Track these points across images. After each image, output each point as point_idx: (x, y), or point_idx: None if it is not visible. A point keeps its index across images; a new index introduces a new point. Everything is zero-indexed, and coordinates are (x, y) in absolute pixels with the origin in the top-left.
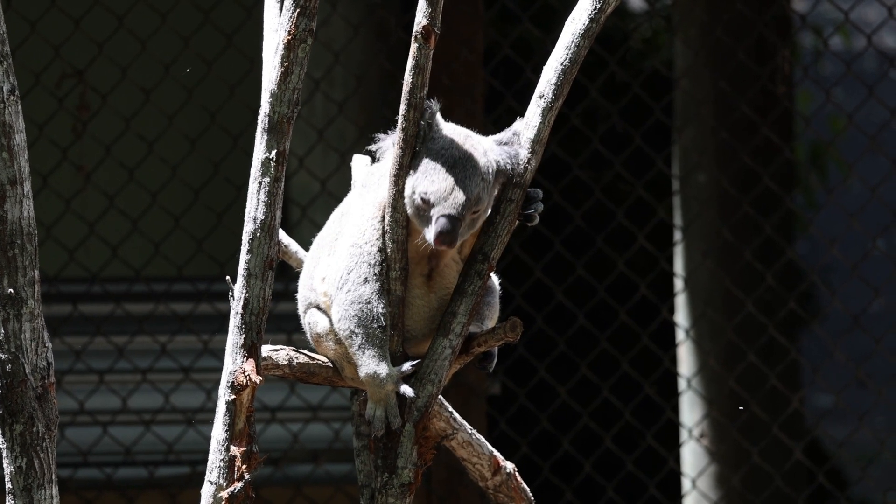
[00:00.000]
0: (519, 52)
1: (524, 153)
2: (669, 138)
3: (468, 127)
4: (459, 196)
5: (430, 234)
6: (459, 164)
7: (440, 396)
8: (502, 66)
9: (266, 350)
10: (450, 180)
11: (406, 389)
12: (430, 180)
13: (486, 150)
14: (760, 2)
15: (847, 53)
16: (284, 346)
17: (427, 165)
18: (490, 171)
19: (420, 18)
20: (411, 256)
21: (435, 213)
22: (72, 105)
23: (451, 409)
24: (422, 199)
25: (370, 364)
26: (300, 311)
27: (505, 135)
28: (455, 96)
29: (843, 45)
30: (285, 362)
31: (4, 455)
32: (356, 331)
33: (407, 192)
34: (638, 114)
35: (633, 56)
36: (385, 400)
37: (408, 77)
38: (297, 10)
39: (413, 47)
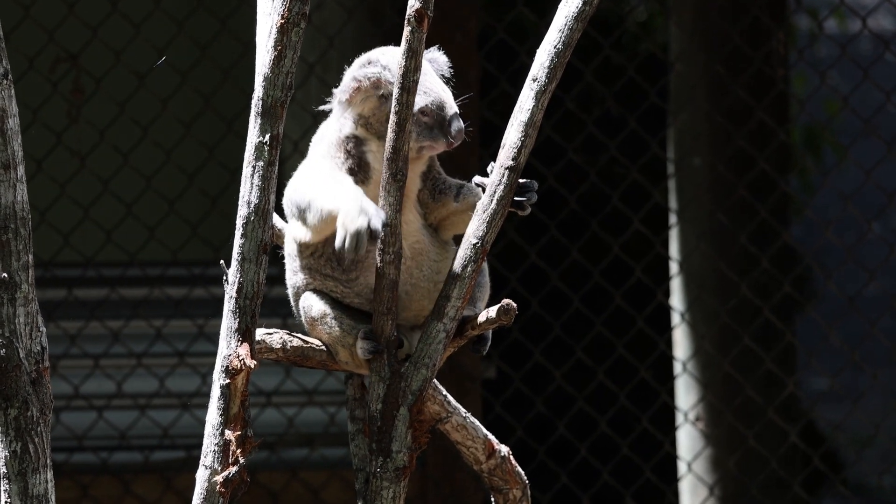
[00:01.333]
0: (513, 35)
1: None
2: (664, 122)
3: (463, 112)
4: (449, 96)
5: (443, 139)
6: (429, 69)
7: (434, 380)
8: (497, 50)
9: (260, 333)
10: (436, 82)
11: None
12: (426, 93)
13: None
14: None
15: (842, 36)
16: (278, 330)
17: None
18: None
19: (413, 2)
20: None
21: (447, 114)
22: (66, 89)
23: (445, 392)
24: (429, 110)
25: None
26: (290, 295)
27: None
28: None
29: (839, 28)
30: (279, 346)
31: None
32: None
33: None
34: (633, 97)
35: (627, 39)
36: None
37: (401, 60)
38: None
39: (406, 30)
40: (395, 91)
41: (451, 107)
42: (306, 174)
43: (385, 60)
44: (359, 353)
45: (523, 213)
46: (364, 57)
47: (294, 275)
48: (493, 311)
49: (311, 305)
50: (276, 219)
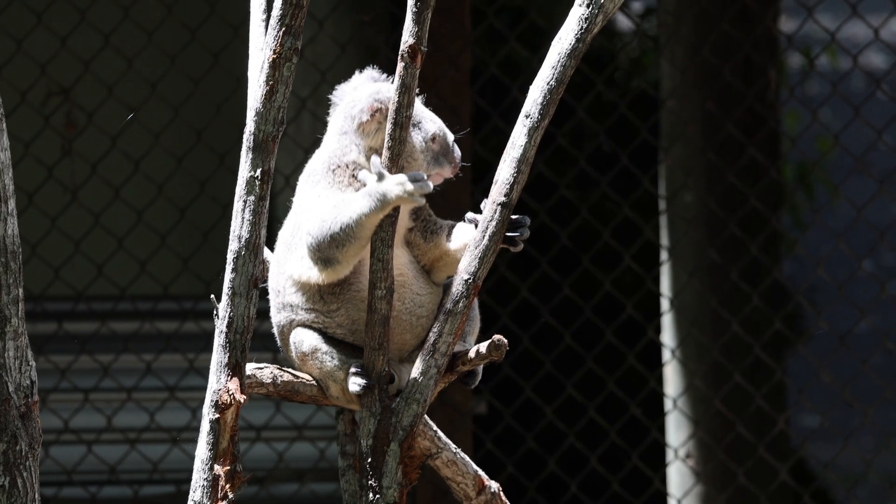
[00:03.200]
0: (506, 71)
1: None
2: (656, 158)
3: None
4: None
5: (448, 165)
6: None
7: (425, 415)
8: (489, 86)
9: (250, 368)
10: (435, 116)
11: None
12: (432, 121)
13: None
14: (747, 22)
15: (834, 74)
16: (269, 365)
17: (426, 115)
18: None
19: (407, 37)
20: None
21: (450, 141)
22: (58, 123)
23: (435, 427)
24: (438, 137)
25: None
26: (275, 331)
27: None
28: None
29: (830, 66)
30: (269, 380)
31: None
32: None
33: (418, 144)
34: (625, 133)
35: (619, 76)
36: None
37: (394, 96)
38: (283, 29)
39: (400, 66)
40: (389, 126)
41: (451, 133)
42: (321, 210)
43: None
44: (350, 389)
45: (515, 249)
46: (373, 87)
47: (278, 312)
48: (483, 347)
49: (302, 340)
50: (267, 253)
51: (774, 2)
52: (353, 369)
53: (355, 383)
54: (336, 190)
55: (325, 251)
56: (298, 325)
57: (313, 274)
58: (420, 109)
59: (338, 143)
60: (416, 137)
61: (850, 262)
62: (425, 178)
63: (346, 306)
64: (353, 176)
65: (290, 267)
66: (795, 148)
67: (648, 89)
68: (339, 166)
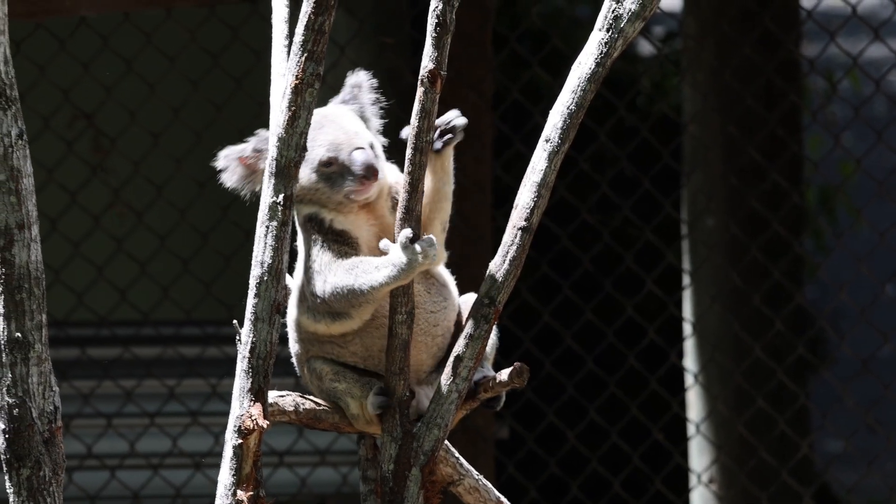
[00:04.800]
0: (528, 96)
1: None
2: (678, 182)
3: (478, 172)
4: (349, 131)
5: (351, 182)
6: (326, 120)
7: (447, 442)
8: (511, 110)
9: (273, 396)
10: (332, 130)
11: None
12: (319, 143)
13: (333, 103)
14: (769, 46)
15: (856, 98)
16: (290, 392)
17: (312, 143)
18: (350, 112)
19: (426, 62)
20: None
21: (343, 157)
22: (82, 149)
23: (457, 454)
24: (326, 161)
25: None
26: (294, 359)
27: (343, 93)
28: (463, 139)
29: (853, 90)
30: (291, 408)
31: (11, 499)
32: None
33: (304, 178)
34: (646, 158)
35: (641, 100)
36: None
37: (414, 120)
38: (305, 55)
39: (419, 91)
40: (408, 151)
41: (351, 145)
42: (331, 272)
43: (263, 133)
44: (368, 409)
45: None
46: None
47: (295, 343)
48: (505, 374)
49: (320, 370)
50: (289, 279)
51: (796, 26)
52: (375, 389)
53: (373, 403)
54: (319, 246)
55: (337, 309)
56: (313, 357)
57: (320, 327)
58: (316, 134)
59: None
60: (304, 173)
61: (872, 286)
62: (433, 239)
63: (360, 336)
64: (323, 232)
65: (299, 316)
66: (818, 172)
67: (670, 114)
68: (303, 225)
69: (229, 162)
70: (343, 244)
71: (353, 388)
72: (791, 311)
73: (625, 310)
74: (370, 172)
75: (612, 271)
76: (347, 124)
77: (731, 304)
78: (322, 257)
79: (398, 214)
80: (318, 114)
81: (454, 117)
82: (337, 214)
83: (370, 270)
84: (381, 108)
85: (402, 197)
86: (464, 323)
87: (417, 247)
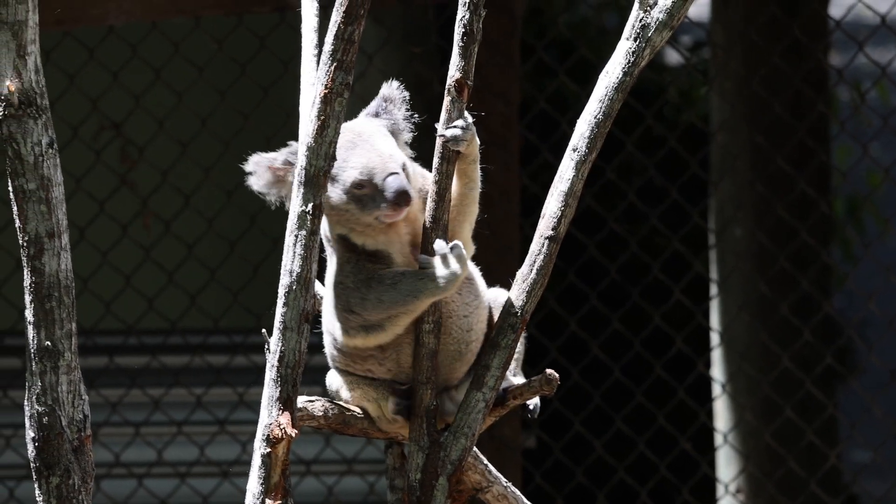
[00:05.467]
0: (555, 105)
1: (400, 107)
2: (706, 192)
3: (505, 181)
4: (383, 154)
5: (384, 207)
6: (359, 139)
7: (475, 449)
8: (538, 120)
9: (302, 401)
10: (365, 151)
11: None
12: (351, 165)
13: (366, 117)
14: (797, 56)
15: (884, 108)
16: (320, 398)
17: (343, 164)
18: (382, 129)
19: (453, 71)
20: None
21: (377, 181)
22: (110, 158)
23: (486, 461)
24: (358, 183)
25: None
26: (328, 358)
27: (374, 105)
28: (491, 149)
29: (881, 100)
30: (321, 413)
31: None
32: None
33: (335, 198)
34: (674, 167)
35: (669, 109)
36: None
37: (441, 129)
38: (335, 64)
39: (446, 100)
40: (435, 161)
41: (385, 169)
42: (369, 288)
43: (295, 146)
44: (388, 410)
45: (454, 145)
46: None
47: (329, 346)
48: (535, 381)
49: (336, 380)
50: (318, 287)
51: (824, 36)
52: (395, 391)
53: (391, 406)
54: (353, 265)
55: (372, 322)
56: (333, 370)
57: (357, 341)
58: (347, 153)
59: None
60: (335, 193)
61: None
62: (461, 246)
63: (397, 349)
64: (352, 249)
65: (334, 330)
66: (846, 182)
67: (698, 123)
68: (330, 240)
69: (259, 168)
70: (377, 262)
71: (368, 391)
72: (819, 321)
73: (652, 319)
74: (403, 200)
75: (639, 281)
76: (381, 145)
77: (758, 313)
78: (357, 275)
79: (426, 223)
80: (350, 131)
81: (457, 125)
82: (366, 238)
83: (411, 286)
84: (413, 122)
85: (428, 206)
86: (493, 327)
87: (452, 259)
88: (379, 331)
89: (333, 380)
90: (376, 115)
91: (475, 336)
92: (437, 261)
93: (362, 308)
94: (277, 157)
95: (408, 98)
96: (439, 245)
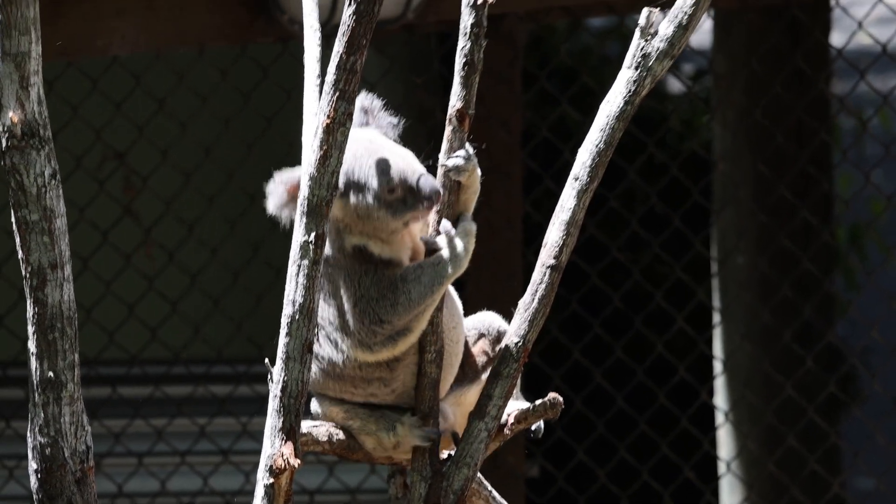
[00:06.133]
0: (557, 133)
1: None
2: (708, 220)
3: (508, 209)
4: (405, 156)
5: (418, 207)
6: (375, 146)
7: (480, 475)
8: (541, 148)
9: (306, 426)
10: (388, 156)
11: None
12: (381, 170)
13: (359, 129)
14: (799, 84)
15: (886, 135)
16: (324, 423)
17: (369, 170)
18: (391, 135)
19: (454, 101)
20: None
21: (411, 182)
22: (113, 188)
23: (490, 487)
24: (391, 188)
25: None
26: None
27: (357, 118)
28: (493, 177)
29: (883, 128)
30: (325, 438)
31: None
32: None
33: (365, 207)
34: (676, 195)
35: (671, 138)
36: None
37: (442, 158)
38: (337, 94)
39: (447, 130)
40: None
41: (414, 170)
42: (394, 289)
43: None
44: (416, 440)
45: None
46: None
47: (321, 385)
48: (539, 406)
49: (331, 410)
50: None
51: (826, 65)
52: (413, 422)
53: (421, 437)
54: (373, 274)
55: (400, 326)
56: (323, 399)
57: (383, 355)
58: (359, 161)
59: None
60: (363, 201)
61: None
62: (468, 217)
63: (404, 371)
64: (372, 262)
65: (350, 352)
66: (848, 210)
67: (700, 151)
68: (349, 256)
69: (278, 186)
70: (393, 269)
71: (367, 424)
72: (822, 349)
73: (655, 347)
74: (437, 197)
75: (642, 309)
76: (397, 148)
77: (761, 341)
78: (381, 284)
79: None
80: (360, 140)
81: (458, 154)
82: (384, 245)
83: (432, 274)
84: (398, 126)
85: (430, 235)
86: (492, 355)
87: (458, 239)
88: (407, 334)
89: (325, 410)
90: (362, 126)
91: (461, 347)
92: (443, 241)
93: (394, 313)
94: (296, 174)
95: (384, 104)
96: (445, 225)
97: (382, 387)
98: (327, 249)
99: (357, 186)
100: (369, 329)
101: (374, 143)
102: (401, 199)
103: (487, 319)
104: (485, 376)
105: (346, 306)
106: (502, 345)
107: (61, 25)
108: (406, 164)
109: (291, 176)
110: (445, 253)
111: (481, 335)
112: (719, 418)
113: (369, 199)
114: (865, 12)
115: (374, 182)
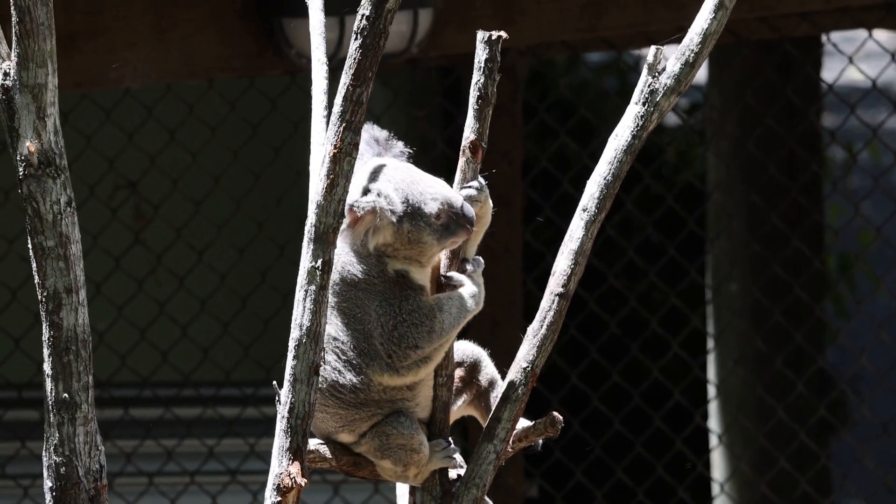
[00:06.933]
0: (556, 164)
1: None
2: (702, 249)
3: (508, 238)
4: (443, 183)
5: (462, 230)
6: (413, 173)
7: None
8: (540, 178)
9: (313, 443)
10: (433, 183)
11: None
12: (433, 199)
13: (369, 158)
14: (791, 118)
15: (875, 168)
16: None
17: (421, 197)
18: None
19: (468, 133)
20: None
21: (456, 208)
22: (126, 216)
23: None
24: (437, 214)
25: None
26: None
27: (373, 149)
28: (495, 206)
29: (872, 160)
30: (331, 455)
31: None
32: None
33: (422, 234)
34: (672, 225)
35: (667, 169)
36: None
37: (456, 188)
38: (344, 125)
39: (461, 161)
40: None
41: (457, 197)
42: (425, 319)
43: (380, 187)
44: (440, 462)
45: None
46: (357, 180)
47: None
48: (539, 424)
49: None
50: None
51: (817, 99)
52: (441, 444)
53: (452, 457)
54: (412, 300)
55: (427, 353)
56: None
57: (408, 378)
58: (413, 188)
59: (359, 261)
60: (419, 226)
61: (892, 351)
62: (479, 260)
63: (422, 386)
64: (407, 286)
65: (377, 376)
66: (838, 240)
67: (695, 182)
68: (387, 280)
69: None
70: (426, 296)
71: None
72: (812, 375)
73: (651, 372)
74: (474, 222)
75: (638, 335)
76: (434, 177)
77: (754, 366)
78: (421, 310)
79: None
80: (400, 169)
81: (472, 185)
82: (422, 271)
83: (453, 306)
84: (408, 154)
85: (443, 263)
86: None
87: (479, 279)
88: (428, 361)
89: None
90: (379, 154)
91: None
92: (465, 279)
93: (429, 340)
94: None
95: (391, 135)
96: (471, 266)
97: (406, 402)
98: (359, 273)
99: (412, 213)
100: (404, 353)
101: (413, 171)
102: (444, 224)
103: (463, 348)
104: (459, 402)
105: (379, 330)
106: (512, 369)
107: (76, 58)
108: (448, 190)
109: (360, 199)
110: (471, 289)
111: (458, 363)
112: (713, 441)
113: (422, 224)
114: (855, 48)
115: (426, 208)
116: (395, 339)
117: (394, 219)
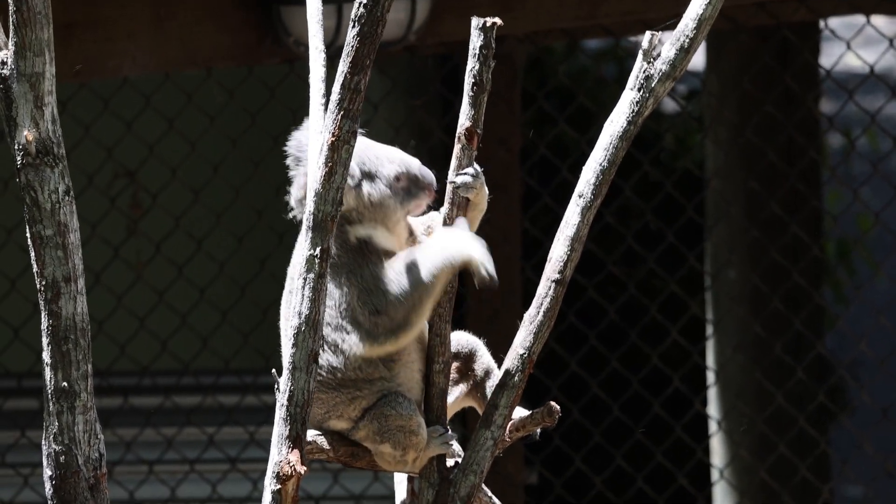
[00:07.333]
0: (555, 151)
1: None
2: (701, 236)
3: (506, 225)
4: (401, 151)
5: (423, 192)
6: (373, 143)
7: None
8: (538, 165)
9: (311, 435)
10: (392, 149)
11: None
12: (389, 160)
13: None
14: (789, 104)
15: (874, 154)
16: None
17: (373, 160)
18: None
19: (463, 120)
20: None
21: (414, 171)
22: (124, 204)
23: (490, 493)
24: (398, 176)
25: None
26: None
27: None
28: (493, 194)
29: (870, 146)
30: (329, 447)
31: None
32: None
33: (378, 194)
34: (670, 212)
35: (665, 156)
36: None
37: (451, 175)
38: (342, 113)
39: (456, 147)
40: (445, 206)
41: (413, 161)
42: (389, 281)
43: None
44: (438, 448)
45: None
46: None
47: (342, 390)
48: (537, 413)
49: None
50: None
51: (816, 85)
52: (439, 431)
53: (452, 443)
54: (372, 265)
55: (400, 319)
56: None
57: (388, 347)
58: (367, 153)
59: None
60: (378, 188)
61: (891, 336)
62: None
63: (402, 369)
64: (375, 253)
65: (354, 348)
66: (837, 226)
67: (693, 169)
68: (353, 249)
69: (300, 177)
70: (388, 258)
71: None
72: (811, 361)
73: (650, 359)
74: (434, 184)
75: (637, 322)
76: (388, 146)
77: (753, 353)
78: (377, 273)
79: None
80: (362, 138)
81: (467, 172)
82: (388, 235)
83: (426, 259)
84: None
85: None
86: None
87: (470, 235)
88: (408, 327)
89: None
90: None
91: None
92: (440, 227)
93: (399, 303)
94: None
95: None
96: (445, 212)
97: (386, 383)
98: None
99: (369, 176)
100: (377, 319)
101: (367, 141)
102: (405, 188)
103: (458, 338)
104: (456, 393)
105: (349, 301)
106: (509, 356)
107: (74, 47)
108: (403, 155)
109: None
110: (439, 241)
111: (454, 353)
112: (712, 427)
113: (382, 185)
114: (853, 34)
115: (384, 170)
116: (366, 307)
117: (352, 183)
